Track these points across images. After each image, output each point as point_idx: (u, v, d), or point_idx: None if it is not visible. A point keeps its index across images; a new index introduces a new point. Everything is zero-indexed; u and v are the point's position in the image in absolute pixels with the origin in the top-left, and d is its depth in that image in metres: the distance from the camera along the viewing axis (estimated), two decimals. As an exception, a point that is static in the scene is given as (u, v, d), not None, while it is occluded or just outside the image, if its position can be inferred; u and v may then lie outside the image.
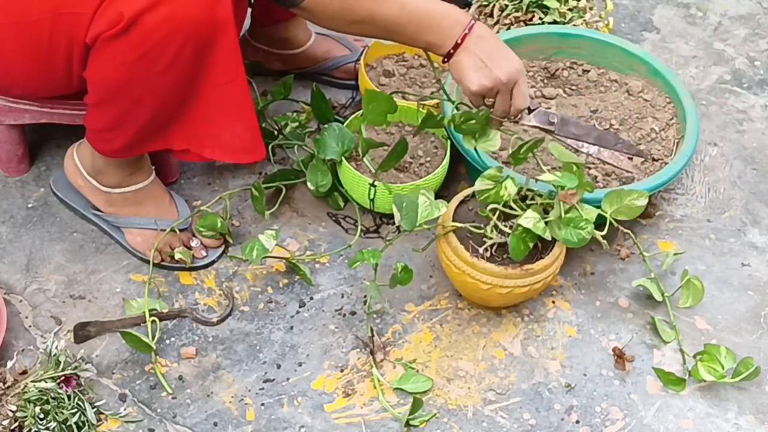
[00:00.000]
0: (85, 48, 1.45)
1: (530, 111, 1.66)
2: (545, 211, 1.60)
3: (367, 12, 1.49)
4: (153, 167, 1.76)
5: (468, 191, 1.69)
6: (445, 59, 1.56)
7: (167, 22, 1.39)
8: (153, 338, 1.61)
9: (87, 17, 1.41)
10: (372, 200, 1.79)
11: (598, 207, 1.59)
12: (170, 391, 1.59)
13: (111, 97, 1.51)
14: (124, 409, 1.57)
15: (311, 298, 1.74)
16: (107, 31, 1.40)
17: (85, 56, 1.47)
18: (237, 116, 1.56)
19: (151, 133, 1.57)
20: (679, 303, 1.70)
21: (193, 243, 1.77)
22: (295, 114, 1.97)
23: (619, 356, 1.65)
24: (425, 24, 1.52)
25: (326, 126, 1.81)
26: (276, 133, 1.94)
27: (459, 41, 1.53)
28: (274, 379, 1.63)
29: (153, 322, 1.62)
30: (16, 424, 1.49)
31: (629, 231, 1.72)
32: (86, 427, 1.52)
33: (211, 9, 1.40)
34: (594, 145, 1.71)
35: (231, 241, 1.80)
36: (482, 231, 1.61)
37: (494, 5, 2.13)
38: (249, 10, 2.03)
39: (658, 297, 1.70)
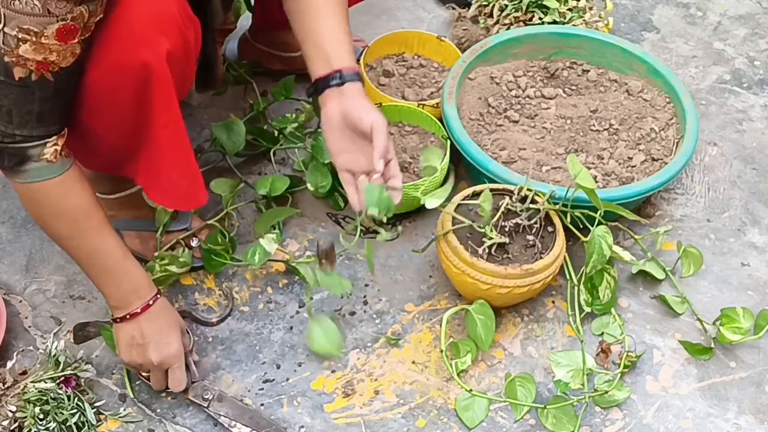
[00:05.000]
0: None
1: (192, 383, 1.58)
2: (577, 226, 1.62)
3: (62, 236, 1.46)
4: None
5: (468, 191, 1.69)
6: (114, 320, 1.52)
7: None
8: None
9: None
10: (372, 200, 1.79)
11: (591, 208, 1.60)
12: (133, 395, 1.59)
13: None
14: (124, 409, 1.57)
15: (311, 299, 1.74)
16: None
17: None
18: (174, 162, 1.53)
19: (118, 161, 1.56)
20: (682, 273, 1.74)
21: (193, 243, 1.77)
22: (295, 114, 1.97)
23: (603, 351, 1.65)
24: (105, 276, 1.49)
25: (319, 130, 1.80)
26: (276, 133, 1.94)
27: (129, 315, 1.49)
28: (273, 380, 1.63)
29: None
30: (16, 424, 1.49)
31: (630, 230, 1.74)
32: (86, 427, 1.52)
33: (138, 54, 1.37)
34: (247, 426, 1.55)
35: (232, 252, 1.78)
36: (483, 230, 1.61)
37: (494, 5, 2.13)
38: (250, 15, 2.04)
39: (660, 275, 1.74)
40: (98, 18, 1.29)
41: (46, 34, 1.24)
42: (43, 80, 1.29)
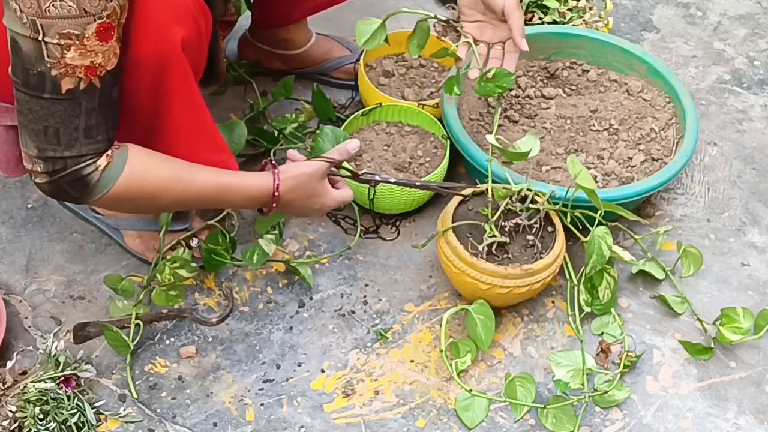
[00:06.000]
0: None
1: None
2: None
3: (175, 202, 1.47)
4: None
5: (468, 191, 1.69)
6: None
7: None
8: (134, 339, 1.60)
9: None
10: (371, 200, 1.79)
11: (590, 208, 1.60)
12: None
13: None
14: (124, 410, 1.57)
15: (311, 299, 1.74)
16: None
17: None
18: (202, 145, 1.53)
19: None
20: (682, 273, 1.74)
21: (194, 243, 1.76)
22: (295, 114, 1.96)
23: (603, 351, 1.66)
24: (223, 205, 1.58)
25: (318, 131, 1.80)
26: (276, 134, 1.94)
27: (267, 212, 1.55)
28: (273, 380, 1.63)
29: (137, 325, 1.61)
30: (16, 424, 1.49)
31: (630, 230, 1.74)
32: (86, 427, 1.52)
33: (155, 45, 1.37)
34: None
35: (232, 252, 1.78)
36: (484, 226, 1.61)
37: (494, 5, 2.13)
38: (250, 13, 2.03)
39: (660, 275, 1.75)
40: (126, 14, 1.29)
41: (87, 35, 1.24)
42: (91, 87, 1.28)
